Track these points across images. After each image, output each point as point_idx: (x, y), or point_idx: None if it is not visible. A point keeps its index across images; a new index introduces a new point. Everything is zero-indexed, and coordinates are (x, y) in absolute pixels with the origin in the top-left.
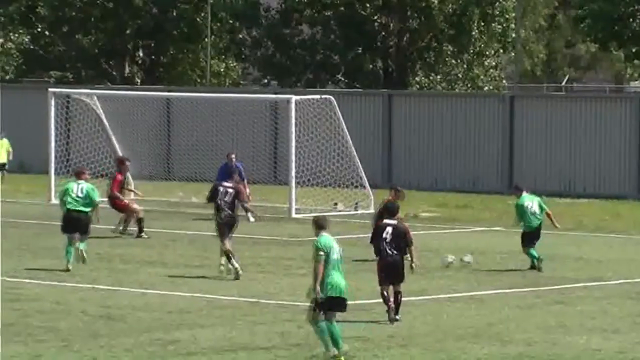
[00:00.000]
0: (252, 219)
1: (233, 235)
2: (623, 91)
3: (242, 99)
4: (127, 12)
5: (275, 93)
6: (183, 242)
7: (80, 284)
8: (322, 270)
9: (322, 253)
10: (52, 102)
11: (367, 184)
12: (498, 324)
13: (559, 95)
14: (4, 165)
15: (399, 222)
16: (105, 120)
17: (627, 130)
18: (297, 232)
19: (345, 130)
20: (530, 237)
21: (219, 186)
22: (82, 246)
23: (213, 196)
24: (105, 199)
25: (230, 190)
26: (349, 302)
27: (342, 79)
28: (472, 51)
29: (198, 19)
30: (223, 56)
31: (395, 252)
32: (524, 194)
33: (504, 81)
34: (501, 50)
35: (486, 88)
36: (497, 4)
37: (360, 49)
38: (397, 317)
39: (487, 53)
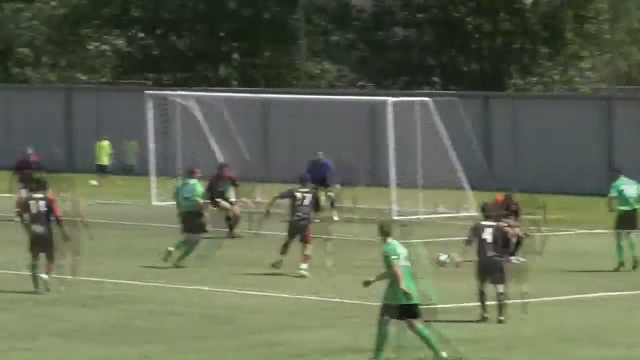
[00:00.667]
0: (336, 217)
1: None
2: None
3: (339, 100)
4: (221, 14)
5: (372, 95)
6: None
7: (185, 285)
8: (400, 271)
9: (394, 256)
10: (150, 105)
11: (467, 186)
12: (601, 326)
13: None
14: (105, 167)
15: (498, 223)
16: (202, 122)
17: None
18: (398, 234)
19: (443, 132)
20: (623, 221)
21: (296, 192)
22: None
23: (283, 196)
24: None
25: (307, 195)
26: (451, 305)
27: (438, 81)
28: (566, 53)
29: (291, 22)
30: (318, 58)
31: (494, 252)
32: (622, 177)
33: (602, 84)
34: (597, 53)
35: (583, 90)
36: (590, 5)
37: (454, 51)
38: (501, 317)
39: (582, 55)
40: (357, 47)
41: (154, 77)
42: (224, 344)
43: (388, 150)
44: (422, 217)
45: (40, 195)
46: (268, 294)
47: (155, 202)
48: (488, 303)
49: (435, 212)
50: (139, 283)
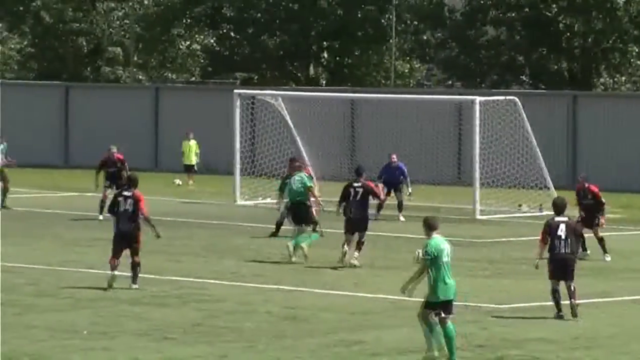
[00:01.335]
0: (402, 219)
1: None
2: None
3: (426, 100)
4: (312, 13)
5: (460, 94)
6: (367, 243)
7: (264, 285)
8: (426, 271)
9: (427, 257)
10: (238, 104)
11: (551, 185)
12: None
13: None
14: (192, 166)
15: (570, 218)
16: (290, 122)
17: None
18: (481, 233)
19: (530, 131)
20: None
21: (350, 188)
22: (303, 243)
23: (344, 197)
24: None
25: (359, 189)
26: (533, 304)
27: (527, 80)
28: None
29: (383, 21)
30: (407, 57)
31: (568, 249)
32: None
33: None
34: None
35: None
36: None
37: (544, 49)
38: (575, 315)
39: None
40: (447, 46)
41: (242, 76)
42: (301, 343)
43: (474, 149)
44: (504, 216)
45: (129, 193)
46: (347, 293)
47: (239, 202)
48: (563, 302)
49: (518, 211)
50: (220, 282)
